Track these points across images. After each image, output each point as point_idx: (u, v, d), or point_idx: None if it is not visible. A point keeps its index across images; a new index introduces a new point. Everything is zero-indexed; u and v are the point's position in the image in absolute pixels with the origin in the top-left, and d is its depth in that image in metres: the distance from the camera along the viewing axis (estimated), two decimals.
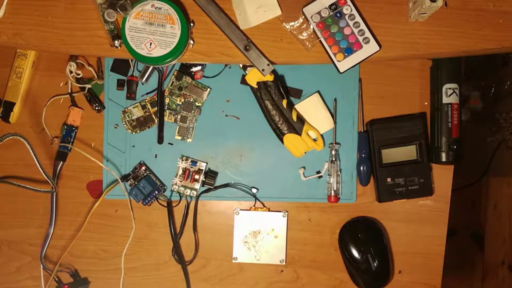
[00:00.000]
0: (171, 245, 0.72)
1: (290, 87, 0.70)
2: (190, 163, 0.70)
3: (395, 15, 0.60)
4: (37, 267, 0.71)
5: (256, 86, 0.66)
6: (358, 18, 0.60)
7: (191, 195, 0.70)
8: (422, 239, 0.72)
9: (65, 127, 0.70)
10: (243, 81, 0.70)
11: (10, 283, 0.73)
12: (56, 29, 0.60)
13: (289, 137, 0.67)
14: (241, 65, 0.69)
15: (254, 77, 0.65)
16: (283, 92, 0.66)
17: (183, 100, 0.70)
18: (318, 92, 0.70)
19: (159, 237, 0.72)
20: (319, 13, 0.60)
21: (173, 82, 0.69)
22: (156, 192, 0.69)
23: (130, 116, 0.70)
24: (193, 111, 0.70)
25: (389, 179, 0.69)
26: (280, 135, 0.68)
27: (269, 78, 0.65)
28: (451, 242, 0.77)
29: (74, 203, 0.72)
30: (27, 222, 0.72)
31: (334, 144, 0.70)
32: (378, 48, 0.60)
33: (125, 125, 0.70)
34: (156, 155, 0.71)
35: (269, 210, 0.72)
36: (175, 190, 0.70)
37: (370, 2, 0.60)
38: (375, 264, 0.69)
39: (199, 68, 0.69)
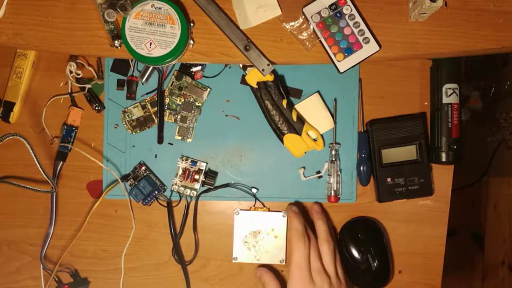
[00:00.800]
0: (171, 245, 0.72)
1: (290, 87, 0.70)
2: (190, 163, 0.70)
3: (395, 15, 0.60)
4: (37, 267, 0.71)
5: (256, 86, 0.66)
6: (358, 18, 0.60)
7: (191, 195, 0.70)
8: (422, 239, 0.72)
9: (65, 127, 0.70)
10: (243, 81, 0.70)
11: (10, 283, 0.73)
12: (56, 29, 0.60)
13: (289, 137, 0.67)
14: (241, 65, 0.69)
15: (254, 77, 0.65)
16: (283, 92, 0.66)
17: (183, 100, 0.70)
18: (318, 92, 0.70)
19: (159, 237, 0.72)
20: (319, 13, 0.60)
21: (173, 82, 0.69)
22: (156, 192, 0.69)
23: (130, 116, 0.70)
24: (193, 111, 0.70)
25: (389, 179, 0.69)
26: (280, 135, 0.68)
27: (269, 78, 0.65)
28: (451, 242, 0.77)
29: (74, 203, 0.72)
30: (27, 222, 0.72)
31: (334, 144, 0.70)
32: (378, 48, 0.60)
33: (125, 125, 0.70)
34: (156, 155, 0.71)
35: (269, 210, 0.72)
36: (175, 190, 0.70)
37: (370, 2, 0.60)
38: (375, 264, 0.69)
39: (199, 68, 0.69)
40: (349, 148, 0.71)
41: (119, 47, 0.60)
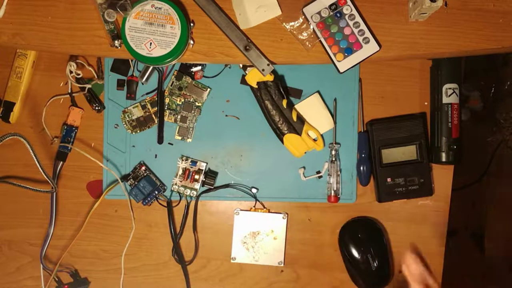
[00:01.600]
0: (171, 245, 0.72)
1: (290, 87, 0.70)
2: (190, 163, 0.70)
3: (395, 15, 0.60)
4: (37, 267, 0.71)
5: (256, 86, 0.66)
6: (358, 18, 0.60)
7: (191, 195, 0.70)
8: (422, 239, 0.72)
9: (65, 127, 0.70)
10: (243, 81, 0.70)
11: (10, 283, 0.73)
12: (56, 29, 0.60)
13: (289, 137, 0.67)
14: (241, 65, 0.69)
15: (254, 77, 0.65)
16: (283, 92, 0.66)
17: (183, 100, 0.70)
18: (318, 92, 0.70)
19: (159, 237, 0.72)
20: (319, 13, 0.60)
21: (173, 82, 0.69)
22: (156, 192, 0.69)
23: (130, 116, 0.70)
24: (193, 111, 0.70)
25: (389, 179, 0.69)
26: (280, 135, 0.68)
27: (269, 78, 0.65)
28: (451, 242, 0.77)
29: (74, 203, 0.72)
30: (27, 222, 0.72)
31: (334, 144, 0.70)
32: (378, 48, 0.60)
33: (125, 125, 0.70)
34: (156, 155, 0.71)
35: (269, 211, 0.71)
36: (175, 190, 0.70)
37: (370, 2, 0.60)
38: (375, 264, 0.69)
39: (199, 68, 0.69)
40: (349, 148, 0.71)
41: (119, 47, 0.60)
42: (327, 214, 0.72)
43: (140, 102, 0.70)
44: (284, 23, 0.60)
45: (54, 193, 0.70)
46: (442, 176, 0.71)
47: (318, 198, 0.71)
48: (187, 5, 0.60)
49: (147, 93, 0.70)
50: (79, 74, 0.69)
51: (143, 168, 0.70)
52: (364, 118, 0.71)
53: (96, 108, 0.70)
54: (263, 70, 0.60)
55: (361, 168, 0.69)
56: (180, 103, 0.70)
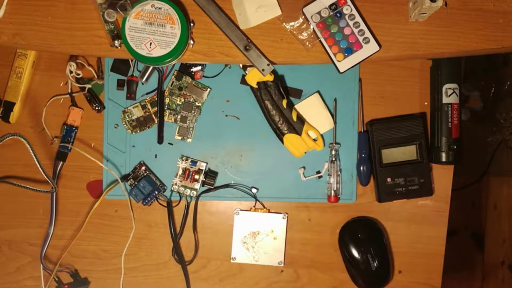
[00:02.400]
0: (171, 245, 0.72)
1: (290, 87, 0.70)
2: (190, 163, 0.70)
3: (395, 15, 0.60)
4: (37, 267, 0.71)
5: (256, 86, 0.66)
6: (358, 18, 0.60)
7: (191, 195, 0.70)
8: (422, 239, 0.72)
9: (65, 127, 0.70)
10: (243, 81, 0.70)
11: (10, 283, 0.73)
12: (56, 29, 0.60)
13: (289, 137, 0.67)
14: (241, 65, 0.69)
15: (254, 77, 0.65)
16: (283, 92, 0.66)
17: (183, 100, 0.70)
18: (318, 92, 0.70)
19: (159, 237, 0.72)
20: (319, 13, 0.60)
21: (173, 82, 0.69)
22: (156, 192, 0.69)
23: (130, 116, 0.70)
24: (193, 111, 0.70)
25: (389, 179, 0.69)
26: (280, 135, 0.68)
27: (269, 78, 0.65)
28: (451, 242, 0.77)
29: (74, 203, 0.72)
30: (27, 222, 0.72)
31: (334, 144, 0.70)
32: (378, 48, 0.60)
33: (125, 125, 0.70)
34: (156, 155, 0.71)
35: (269, 211, 0.72)
36: (175, 190, 0.70)
37: (370, 2, 0.60)
38: (375, 264, 0.69)
39: (199, 68, 0.69)
40: (349, 148, 0.71)
41: (119, 47, 0.60)
42: (327, 214, 0.72)
43: (140, 102, 0.70)
44: (284, 23, 0.60)
45: (54, 193, 0.70)
46: (442, 176, 0.71)
47: (318, 198, 0.71)
48: (187, 5, 0.60)
49: (147, 93, 0.70)
50: (79, 74, 0.69)
51: (143, 168, 0.70)
52: (364, 118, 0.71)
53: (96, 108, 0.70)
54: (263, 70, 0.60)
55: (361, 168, 0.69)
56: (180, 103, 0.70)
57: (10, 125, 0.71)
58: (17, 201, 0.72)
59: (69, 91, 0.70)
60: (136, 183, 0.69)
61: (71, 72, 0.68)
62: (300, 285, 0.73)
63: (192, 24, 0.60)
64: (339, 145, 0.70)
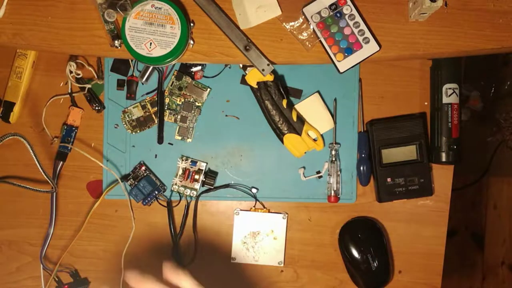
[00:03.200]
0: (171, 245, 0.72)
1: (290, 87, 0.70)
2: (190, 163, 0.70)
3: (395, 15, 0.60)
4: (37, 267, 0.71)
5: (256, 86, 0.66)
6: (358, 18, 0.60)
7: (191, 195, 0.70)
8: (422, 239, 0.72)
9: (65, 127, 0.70)
10: (243, 81, 0.70)
11: (10, 283, 0.73)
12: (56, 29, 0.60)
13: (289, 137, 0.67)
14: (241, 65, 0.69)
15: (254, 77, 0.65)
16: (283, 92, 0.66)
17: (183, 100, 0.70)
18: (318, 92, 0.70)
19: (159, 237, 0.72)
20: (319, 13, 0.60)
21: (173, 82, 0.69)
22: (156, 192, 0.69)
23: (130, 116, 0.70)
24: (193, 111, 0.70)
25: (389, 179, 0.69)
26: (280, 135, 0.68)
27: (269, 78, 0.65)
28: (451, 242, 0.77)
29: (74, 203, 0.72)
30: (27, 222, 0.72)
31: (334, 144, 0.70)
32: (378, 48, 0.60)
33: (125, 125, 0.70)
34: (156, 155, 0.71)
35: (269, 211, 0.72)
36: (175, 190, 0.70)
37: (370, 2, 0.60)
38: (375, 264, 0.69)
39: (199, 68, 0.69)
40: (349, 148, 0.71)
41: (119, 47, 0.60)
42: (327, 214, 0.72)
43: (140, 102, 0.70)
44: (284, 23, 0.60)
45: (54, 193, 0.70)
46: (442, 176, 0.71)
47: (318, 198, 0.71)
48: (187, 5, 0.60)
49: (147, 93, 0.70)
50: (79, 74, 0.69)
51: (143, 168, 0.70)
52: (364, 118, 0.71)
53: (96, 108, 0.70)
54: (263, 70, 0.60)
55: (361, 168, 0.69)
56: (180, 103, 0.70)
57: (10, 125, 0.71)
58: (17, 201, 0.72)
59: (69, 91, 0.70)
60: (136, 183, 0.69)
61: (71, 72, 0.68)
62: (300, 285, 0.73)
63: (192, 24, 0.60)
64: (339, 145, 0.70)
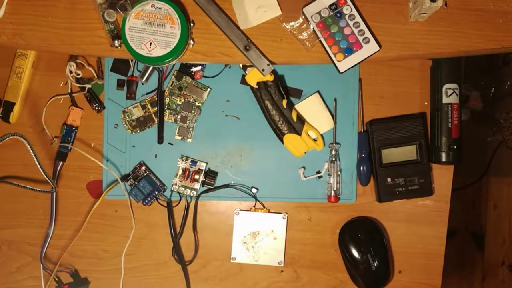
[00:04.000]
0: (171, 245, 0.72)
1: (290, 87, 0.70)
2: (190, 163, 0.70)
3: (395, 15, 0.60)
4: (37, 267, 0.71)
5: (256, 86, 0.66)
6: (358, 18, 0.60)
7: (191, 195, 0.70)
8: (422, 239, 0.72)
9: (65, 127, 0.70)
10: (243, 81, 0.70)
11: (10, 283, 0.73)
12: (56, 29, 0.60)
13: (289, 137, 0.67)
14: (241, 65, 0.69)
15: (254, 77, 0.65)
16: (283, 92, 0.66)
17: (183, 100, 0.70)
18: (318, 92, 0.70)
19: (159, 237, 0.72)
20: (319, 13, 0.60)
21: (173, 82, 0.69)
22: (156, 192, 0.69)
23: (130, 116, 0.70)
24: (193, 111, 0.70)
25: (389, 179, 0.69)
26: (280, 135, 0.68)
27: (269, 78, 0.65)
28: (451, 242, 0.77)
29: (74, 203, 0.72)
30: (27, 222, 0.72)
31: (334, 144, 0.70)
32: (378, 48, 0.60)
33: (125, 125, 0.70)
34: (156, 155, 0.71)
35: (269, 211, 0.71)
36: (175, 190, 0.70)
37: (370, 2, 0.60)
38: (375, 264, 0.69)
39: (199, 68, 0.69)
40: (349, 148, 0.71)
41: (119, 47, 0.60)
42: (327, 214, 0.72)
43: (140, 102, 0.70)
44: (284, 23, 0.60)
45: (54, 193, 0.70)
46: (442, 176, 0.71)
47: (318, 198, 0.71)
48: (187, 5, 0.60)
49: (147, 93, 0.70)
50: (79, 74, 0.69)
51: (143, 168, 0.70)
52: (364, 118, 0.71)
53: (96, 108, 0.70)
54: (263, 70, 0.60)
55: (361, 168, 0.69)
56: (180, 103, 0.70)
57: (10, 125, 0.71)
58: (17, 201, 0.72)
59: (69, 91, 0.70)
60: (136, 183, 0.69)
61: (71, 72, 0.68)
62: (300, 285, 0.73)
63: (192, 24, 0.60)
64: (339, 145, 0.70)
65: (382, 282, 0.71)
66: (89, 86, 0.69)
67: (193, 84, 0.70)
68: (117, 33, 0.60)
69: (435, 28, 0.60)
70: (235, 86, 0.70)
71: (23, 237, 0.73)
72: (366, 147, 0.70)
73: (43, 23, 0.60)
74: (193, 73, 0.70)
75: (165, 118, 0.70)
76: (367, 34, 0.60)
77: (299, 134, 0.67)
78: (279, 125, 0.67)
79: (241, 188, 0.71)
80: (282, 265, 0.71)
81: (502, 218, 1.31)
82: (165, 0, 0.56)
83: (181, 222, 0.72)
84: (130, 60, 0.69)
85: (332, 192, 0.70)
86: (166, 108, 0.70)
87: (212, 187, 0.70)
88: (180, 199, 0.71)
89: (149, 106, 0.70)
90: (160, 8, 0.56)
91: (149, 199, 0.69)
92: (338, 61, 0.61)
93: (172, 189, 0.70)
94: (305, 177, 0.70)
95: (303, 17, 0.60)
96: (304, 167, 0.71)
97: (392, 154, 0.69)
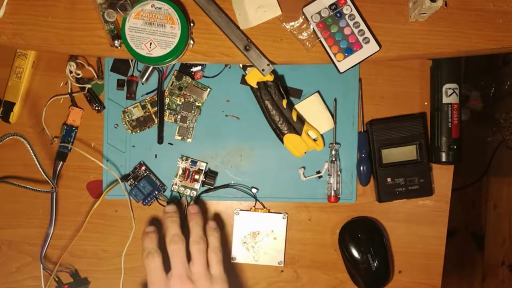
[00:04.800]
0: None
1: (290, 87, 0.70)
2: (190, 163, 0.70)
3: (395, 15, 0.60)
4: (37, 267, 0.71)
5: (256, 86, 0.66)
6: (358, 18, 0.60)
7: (191, 195, 0.70)
8: (422, 239, 0.72)
9: (65, 127, 0.70)
10: (243, 81, 0.70)
11: (10, 283, 0.73)
12: (56, 29, 0.60)
13: (289, 137, 0.67)
14: (241, 65, 0.69)
15: (254, 77, 0.65)
16: (283, 92, 0.66)
17: (183, 100, 0.70)
18: (318, 92, 0.70)
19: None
20: (319, 13, 0.60)
21: (173, 82, 0.69)
22: (156, 192, 0.69)
23: (130, 116, 0.70)
24: (193, 111, 0.70)
25: (389, 179, 0.69)
26: (280, 135, 0.68)
27: (269, 78, 0.65)
28: (451, 242, 0.77)
29: (74, 203, 0.72)
30: (27, 222, 0.72)
31: (334, 144, 0.70)
32: (378, 48, 0.60)
33: (125, 125, 0.70)
34: (156, 155, 0.71)
35: (269, 211, 0.71)
36: (175, 190, 0.70)
37: (370, 2, 0.60)
38: (375, 264, 0.69)
39: (199, 68, 0.69)
40: (349, 148, 0.71)
41: (119, 47, 0.60)
42: (327, 214, 0.72)
43: (140, 102, 0.70)
44: (284, 23, 0.60)
45: (54, 193, 0.70)
46: (442, 176, 0.71)
47: (318, 198, 0.71)
48: (187, 5, 0.60)
49: (147, 93, 0.70)
50: (79, 74, 0.69)
51: (143, 168, 0.70)
52: (364, 118, 0.71)
53: (96, 108, 0.70)
54: (263, 70, 0.60)
55: (361, 168, 0.69)
56: (180, 103, 0.70)
57: (10, 125, 0.71)
58: (17, 201, 0.72)
59: (69, 91, 0.70)
60: (136, 183, 0.69)
61: (71, 72, 0.68)
62: (300, 285, 0.73)
63: (192, 24, 0.60)
64: (339, 145, 0.70)
65: (382, 282, 0.71)
66: (89, 86, 0.69)
67: (193, 84, 0.70)
68: (117, 33, 0.60)
69: (435, 28, 0.60)
70: (235, 86, 0.70)
71: (23, 237, 0.73)
72: (366, 147, 0.70)
73: (43, 23, 0.60)
74: (193, 73, 0.70)
75: (165, 118, 0.70)
76: (367, 34, 0.60)
77: (299, 134, 0.67)
78: (279, 125, 0.67)
79: (241, 188, 0.71)
80: (282, 265, 0.71)
81: (502, 218, 1.31)
82: (165, 0, 0.56)
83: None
84: (130, 60, 0.69)
85: (332, 192, 0.70)
86: (166, 108, 0.70)
87: (212, 187, 0.70)
88: (180, 199, 0.71)
89: (149, 106, 0.70)
90: (160, 8, 0.56)
91: (149, 199, 0.69)
92: (338, 61, 0.61)
93: (172, 189, 0.70)
94: (305, 177, 0.70)
95: (303, 17, 0.60)
96: (304, 167, 0.71)
97: (392, 154, 0.69)
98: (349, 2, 0.59)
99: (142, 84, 0.69)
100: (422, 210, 0.72)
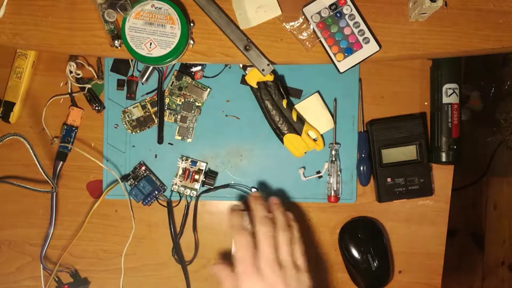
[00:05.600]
0: (171, 245, 0.72)
1: (290, 87, 0.70)
2: (190, 163, 0.70)
3: (395, 15, 0.60)
4: (37, 267, 0.71)
5: (256, 86, 0.66)
6: (358, 18, 0.60)
7: (191, 195, 0.70)
8: (422, 239, 0.72)
9: (65, 127, 0.70)
10: (243, 81, 0.70)
11: (10, 283, 0.73)
12: (56, 29, 0.60)
13: (289, 137, 0.67)
14: (241, 65, 0.69)
15: (254, 77, 0.65)
16: (283, 92, 0.66)
17: (183, 100, 0.70)
18: (318, 92, 0.70)
19: (159, 237, 0.72)
20: (319, 13, 0.60)
21: (173, 82, 0.69)
22: (156, 192, 0.69)
23: (130, 116, 0.70)
24: (193, 111, 0.70)
25: (389, 179, 0.69)
26: (280, 135, 0.68)
27: (269, 78, 0.65)
28: (451, 242, 0.77)
29: (74, 203, 0.72)
30: (27, 222, 0.72)
31: (334, 144, 0.70)
32: (378, 48, 0.60)
33: (125, 125, 0.70)
34: (156, 155, 0.71)
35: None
36: (175, 190, 0.70)
37: (370, 2, 0.60)
38: (375, 264, 0.69)
39: (199, 68, 0.69)
40: (349, 148, 0.71)
41: (119, 47, 0.60)
42: (327, 214, 0.72)
43: (140, 102, 0.70)
44: (284, 23, 0.60)
45: (54, 193, 0.70)
46: (442, 176, 0.71)
47: (318, 198, 0.71)
48: (187, 5, 0.60)
49: (147, 93, 0.70)
50: (79, 74, 0.69)
51: (143, 168, 0.70)
52: (364, 118, 0.71)
53: (96, 108, 0.70)
54: (263, 70, 0.60)
55: (361, 168, 0.69)
56: (180, 103, 0.70)
57: (10, 125, 0.71)
58: (17, 201, 0.72)
59: (69, 91, 0.70)
60: (136, 183, 0.69)
61: (71, 72, 0.68)
62: None
63: (192, 24, 0.60)
64: (339, 145, 0.70)
65: (382, 282, 0.71)
66: (89, 86, 0.69)
67: (193, 84, 0.70)
68: (117, 33, 0.60)
69: (435, 28, 0.60)
70: (235, 86, 0.70)
71: (23, 237, 0.73)
72: (366, 147, 0.70)
73: (43, 23, 0.60)
74: (193, 73, 0.70)
75: (165, 118, 0.70)
76: (367, 34, 0.60)
77: (299, 134, 0.67)
78: (279, 125, 0.67)
79: (241, 188, 0.71)
80: None
81: (502, 218, 1.31)
82: (165, 0, 0.56)
83: (181, 222, 0.72)
84: (130, 60, 0.69)
85: (332, 192, 0.70)
86: (166, 108, 0.70)
87: (212, 187, 0.70)
88: (180, 199, 0.71)
89: (149, 106, 0.70)
90: (160, 8, 0.56)
91: (149, 199, 0.69)
92: (338, 61, 0.61)
93: (172, 189, 0.70)
94: (305, 177, 0.70)
95: (303, 17, 0.60)
96: (304, 167, 0.71)
97: (392, 154, 0.69)
98: (349, 2, 0.59)
99: (142, 84, 0.69)
100: (422, 210, 0.72)
